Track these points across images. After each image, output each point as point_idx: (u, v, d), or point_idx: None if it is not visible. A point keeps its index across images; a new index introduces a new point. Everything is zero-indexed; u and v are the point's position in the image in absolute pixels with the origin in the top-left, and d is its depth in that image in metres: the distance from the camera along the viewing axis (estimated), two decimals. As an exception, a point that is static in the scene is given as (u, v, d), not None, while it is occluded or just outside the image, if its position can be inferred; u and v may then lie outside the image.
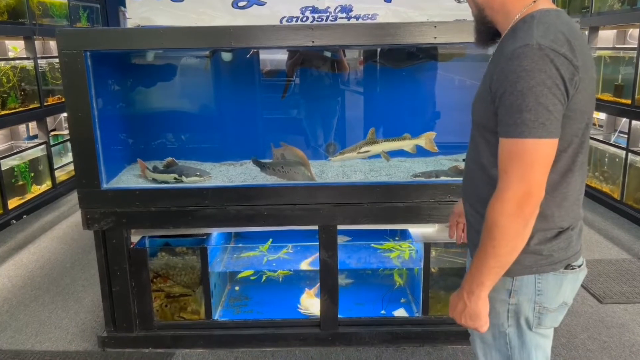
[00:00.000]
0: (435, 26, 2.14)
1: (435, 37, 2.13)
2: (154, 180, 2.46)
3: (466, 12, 3.31)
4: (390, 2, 3.29)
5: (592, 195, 4.59)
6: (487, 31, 1.34)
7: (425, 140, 2.47)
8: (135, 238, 2.47)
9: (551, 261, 1.28)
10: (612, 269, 3.26)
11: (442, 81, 2.80)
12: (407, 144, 2.48)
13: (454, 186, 2.28)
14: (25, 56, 4.58)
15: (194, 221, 2.32)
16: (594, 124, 5.17)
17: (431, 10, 3.25)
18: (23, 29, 4.46)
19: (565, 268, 1.30)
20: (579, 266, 1.33)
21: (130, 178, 2.52)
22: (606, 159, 4.51)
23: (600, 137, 4.65)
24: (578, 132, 1.21)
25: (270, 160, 2.57)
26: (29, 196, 4.54)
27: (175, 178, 2.42)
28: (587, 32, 4.65)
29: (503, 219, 1.16)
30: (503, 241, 1.17)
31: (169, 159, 2.50)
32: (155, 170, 2.49)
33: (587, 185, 4.61)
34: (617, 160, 4.34)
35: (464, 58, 2.73)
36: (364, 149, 2.46)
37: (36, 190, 4.67)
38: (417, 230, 2.54)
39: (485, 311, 1.28)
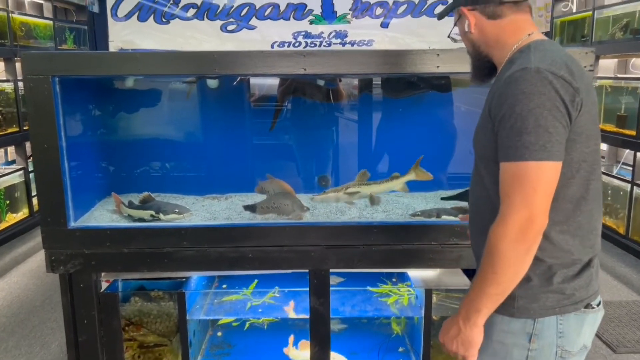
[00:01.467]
0: (438, 54, 1.96)
1: (438, 66, 1.95)
2: (129, 217, 2.24)
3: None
4: (387, 27, 3.14)
5: (595, 229, 4.40)
6: (483, 66, 1.36)
7: (414, 173, 2.28)
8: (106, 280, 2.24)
9: (573, 300, 1.23)
10: (623, 312, 3.05)
11: (444, 112, 2.63)
12: (396, 184, 2.28)
13: (457, 227, 2.07)
14: (4, 79, 4.38)
15: (170, 264, 2.09)
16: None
17: (430, 37, 3.10)
18: (3, 50, 4.27)
19: (586, 307, 1.25)
20: (598, 305, 1.28)
21: (104, 214, 2.29)
22: (609, 192, 4.34)
23: (602, 169, 4.49)
24: (586, 157, 1.18)
25: (260, 201, 2.37)
26: (2, 225, 4.28)
27: (152, 215, 2.20)
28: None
29: (504, 244, 1.12)
30: (504, 267, 1.14)
31: (145, 193, 2.28)
32: (130, 205, 2.27)
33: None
34: (621, 193, 4.17)
35: (467, 88, 2.56)
36: (350, 189, 2.26)
37: (11, 219, 4.42)
38: (417, 273, 2.33)
39: (479, 340, 1.23)
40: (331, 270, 2.14)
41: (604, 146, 4.84)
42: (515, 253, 1.12)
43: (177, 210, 2.19)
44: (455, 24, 1.39)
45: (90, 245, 2.06)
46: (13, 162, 4.80)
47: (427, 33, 3.08)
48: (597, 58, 4.57)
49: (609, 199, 4.38)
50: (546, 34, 5.96)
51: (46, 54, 1.94)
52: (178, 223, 2.14)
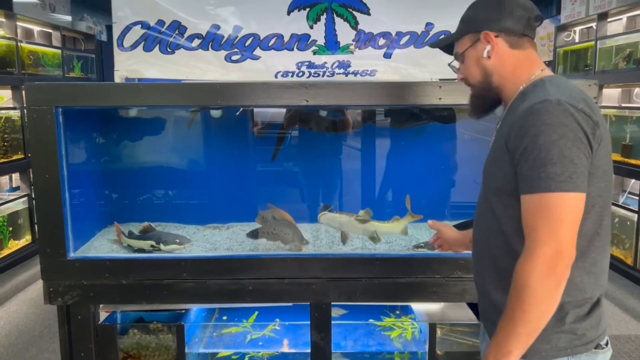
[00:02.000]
0: (440, 86, 1.96)
1: (440, 98, 1.95)
2: (129, 247, 2.22)
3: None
4: (390, 58, 3.16)
5: (603, 259, 4.33)
6: (488, 98, 1.34)
7: (410, 216, 2.24)
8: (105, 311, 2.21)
9: (584, 341, 1.20)
10: (632, 347, 2.97)
11: (447, 142, 2.62)
12: (399, 227, 2.25)
13: (462, 260, 2.04)
14: (11, 106, 4.42)
15: (169, 296, 2.06)
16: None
17: (433, 67, 3.12)
18: (10, 78, 4.32)
19: (596, 348, 1.22)
20: (606, 344, 1.25)
21: (104, 244, 2.27)
22: (616, 222, 4.29)
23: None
24: (602, 192, 1.16)
25: (262, 226, 2.34)
26: (5, 252, 4.27)
27: (152, 245, 2.18)
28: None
29: (533, 280, 1.08)
30: (533, 305, 1.09)
31: (146, 223, 2.26)
32: (130, 235, 2.25)
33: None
34: (628, 223, 4.12)
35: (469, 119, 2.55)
36: (360, 217, 2.23)
37: (14, 245, 4.40)
38: (421, 306, 2.28)
39: None
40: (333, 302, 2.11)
41: (609, 175, 4.80)
42: (545, 288, 1.08)
43: (177, 241, 2.17)
44: (465, 49, 1.33)
45: (89, 277, 2.03)
46: (17, 188, 4.81)
47: (430, 63, 3.09)
48: (601, 88, 4.57)
49: (616, 229, 4.32)
50: (549, 62, 5.98)
51: (49, 85, 1.95)
52: (178, 254, 2.12)
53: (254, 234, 2.25)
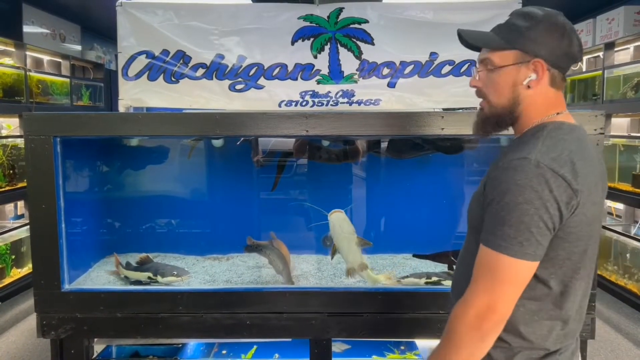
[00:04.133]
0: (443, 116, 1.92)
1: (442, 128, 1.91)
2: (127, 279, 2.18)
3: (473, 100, 3.18)
4: (394, 87, 3.15)
5: (615, 292, 4.21)
6: (502, 122, 1.24)
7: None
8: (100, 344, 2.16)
9: None
10: (648, 386, 2.85)
11: (450, 172, 2.57)
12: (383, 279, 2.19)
13: (466, 295, 1.97)
14: (18, 134, 4.45)
15: (165, 330, 2.00)
16: (612, 214, 4.89)
17: (437, 96, 3.10)
18: (18, 107, 4.36)
19: None
20: None
21: (101, 275, 2.23)
22: (628, 254, 4.18)
23: (619, 229, 4.35)
24: (572, 257, 1.13)
25: (262, 246, 2.30)
26: (7, 281, 4.23)
27: (149, 277, 2.14)
28: (599, 119, 4.49)
29: (460, 327, 1.10)
30: (457, 349, 1.11)
31: (143, 255, 2.23)
32: (128, 266, 2.21)
33: (609, 282, 4.26)
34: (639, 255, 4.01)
35: (476, 149, 2.51)
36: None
37: (16, 274, 4.37)
38: (426, 342, 2.20)
39: None
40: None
41: (620, 206, 4.71)
42: (469, 337, 1.09)
43: (175, 273, 2.13)
44: (506, 64, 1.19)
45: (83, 309, 1.98)
46: (22, 216, 4.80)
47: (434, 93, 3.07)
48: (609, 117, 4.53)
49: (628, 261, 4.21)
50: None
51: (47, 115, 1.94)
52: (175, 286, 2.07)
53: (251, 248, 2.25)
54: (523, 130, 1.21)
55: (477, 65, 1.25)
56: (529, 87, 1.18)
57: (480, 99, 1.26)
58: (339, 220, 2.13)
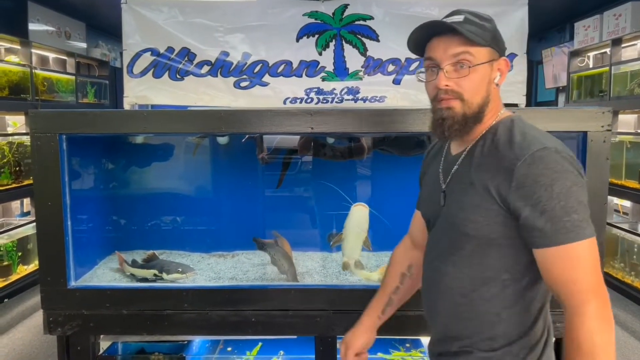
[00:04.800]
0: (449, 113, 1.90)
1: (448, 125, 1.89)
2: (133, 276, 2.18)
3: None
4: (399, 84, 3.14)
5: (622, 290, 4.19)
6: (472, 124, 1.18)
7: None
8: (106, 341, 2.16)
9: None
10: (655, 384, 2.83)
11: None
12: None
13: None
14: (24, 131, 4.47)
15: (170, 327, 2.00)
16: (619, 211, 4.86)
17: (443, 93, 3.09)
18: (24, 104, 4.37)
19: None
20: None
21: (107, 273, 2.24)
22: (635, 251, 4.16)
23: (626, 226, 4.32)
24: None
25: (269, 245, 2.30)
26: (13, 277, 4.25)
27: (155, 274, 2.14)
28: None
29: (599, 337, 1.02)
30: (607, 358, 1.03)
31: (150, 252, 2.23)
32: (134, 264, 2.21)
33: (616, 280, 4.23)
34: (647, 252, 3.99)
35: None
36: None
37: (22, 270, 4.39)
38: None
39: None
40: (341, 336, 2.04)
41: (627, 203, 4.68)
42: (610, 338, 1.03)
43: (180, 270, 2.13)
44: (482, 62, 1.16)
45: (90, 306, 1.99)
46: (28, 213, 4.82)
47: (440, 89, 3.07)
48: (616, 113, 4.50)
49: (634, 259, 4.19)
50: (563, 88, 5.88)
51: (53, 112, 1.94)
52: (179, 284, 2.07)
53: (260, 246, 2.27)
54: (480, 130, 1.19)
55: (446, 63, 1.15)
56: (497, 85, 1.21)
57: (441, 100, 1.17)
58: (360, 214, 2.13)
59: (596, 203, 1.87)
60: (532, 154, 1.07)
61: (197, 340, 2.34)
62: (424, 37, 1.20)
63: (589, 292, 1.04)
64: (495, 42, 1.18)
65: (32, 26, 4.83)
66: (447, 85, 1.15)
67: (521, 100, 3.04)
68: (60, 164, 1.92)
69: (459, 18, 1.15)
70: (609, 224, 4.18)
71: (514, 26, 2.99)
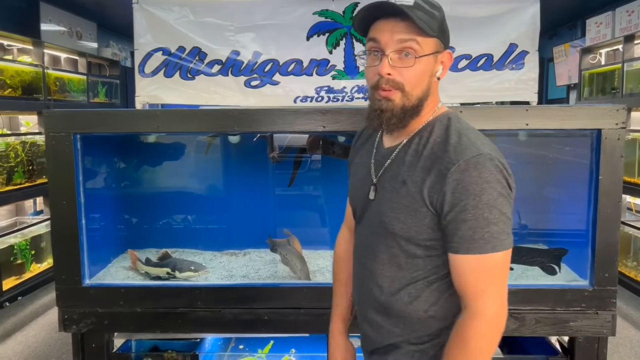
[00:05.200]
0: (461, 111, 1.90)
1: (461, 123, 1.89)
2: (146, 274, 2.20)
3: (490, 94, 3.14)
4: (410, 82, 3.13)
5: (635, 289, 4.16)
6: (410, 117, 1.14)
7: None
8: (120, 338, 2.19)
9: None
10: (669, 383, 2.81)
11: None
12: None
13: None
14: (37, 131, 4.51)
15: (183, 325, 2.02)
16: (631, 210, 4.81)
17: (453, 91, 3.08)
18: (36, 104, 4.42)
19: None
20: None
21: (120, 271, 2.26)
22: (647, 249, 4.12)
23: (639, 224, 4.29)
24: None
25: (280, 246, 2.31)
26: (26, 275, 4.29)
27: (168, 272, 2.16)
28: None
29: (486, 343, 1.07)
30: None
31: (164, 250, 2.24)
32: (147, 262, 2.23)
33: (628, 278, 4.20)
34: (660, 251, 3.95)
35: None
36: None
37: (36, 269, 4.43)
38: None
39: None
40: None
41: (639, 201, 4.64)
42: (493, 345, 1.08)
43: (192, 268, 2.14)
44: (428, 53, 1.11)
45: (104, 304, 2.01)
46: (41, 212, 4.87)
47: (450, 87, 3.05)
48: (629, 111, 4.45)
49: (648, 256, 4.15)
50: (575, 85, 5.83)
51: (68, 112, 1.96)
52: (192, 282, 2.08)
53: (273, 248, 2.28)
54: (416, 125, 1.17)
55: (391, 49, 1.09)
56: (438, 79, 1.16)
57: (382, 89, 1.12)
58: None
59: (610, 201, 1.86)
60: (466, 160, 1.05)
61: (210, 338, 2.35)
62: (370, 18, 1.12)
63: (492, 301, 1.07)
64: (442, 33, 1.13)
65: (44, 26, 4.88)
66: (389, 75, 1.10)
67: (533, 98, 3.02)
68: (74, 163, 1.94)
69: (409, 2, 1.09)
70: (622, 222, 4.15)
71: (525, 23, 2.97)
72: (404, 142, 1.17)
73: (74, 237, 1.96)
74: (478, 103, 3.04)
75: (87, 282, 2.03)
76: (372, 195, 1.21)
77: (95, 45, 5.87)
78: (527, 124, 1.85)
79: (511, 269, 2.11)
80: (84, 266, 2.00)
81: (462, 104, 2.86)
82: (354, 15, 1.13)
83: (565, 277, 2.08)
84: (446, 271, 1.14)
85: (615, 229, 1.87)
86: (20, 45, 4.52)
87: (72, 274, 1.99)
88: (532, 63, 3.04)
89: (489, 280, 1.07)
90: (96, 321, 2.02)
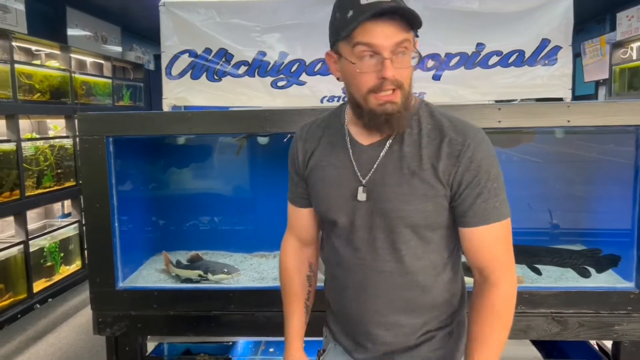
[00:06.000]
0: (499, 109, 1.85)
1: (499, 121, 1.84)
2: (177, 277, 2.19)
3: (521, 90, 3.06)
4: (439, 80, 3.07)
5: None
6: (407, 116, 1.13)
7: None
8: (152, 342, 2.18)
9: None
10: None
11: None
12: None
13: (526, 294, 1.90)
14: (64, 135, 4.56)
15: (217, 328, 2.00)
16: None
17: (483, 88, 3.01)
18: (64, 108, 4.47)
19: None
20: None
21: (152, 273, 2.25)
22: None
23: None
24: None
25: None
26: (56, 277, 4.35)
27: (200, 275, 2.14)
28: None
29: (512, 304, 1.13)
30: (510, 322, 1.14)
31: (193, 253, 2.23)
32: (178, 265, 2.22)
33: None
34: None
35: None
36: None
37: (65, 271, 4.49)
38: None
39: None
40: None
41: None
42: (514, 305, 1.15)
43: (225, 270, 2.13)
44: (414, 48, 1.09)
45: (137, 307, 2.01)
46: (69, 214, 4.93)
47: (481, 84, 2.99)
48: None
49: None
50: (605, 81, 5.69)
51: (100, 115, 1.96)
52: (225, 285, 2.07)
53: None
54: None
55: (389, 51, 1.04)
56: (414, 68, 1.13)
57: (383, 94, 1.07)
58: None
59: (657, 200, 1.80)
60: (472, 138, 1.10)
61: (242, 341, 2.34)
62: (358, 21, 1.03)
63: (507, 268, 1.13)
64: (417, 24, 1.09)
65: (70, 31, 4.93)
66: (395, 78, 1.06)
67: (567, 95, 2.94)
68: (107, 166, 1.94)
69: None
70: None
71: (558, 17, 2.89)
72: (394, 135, 1.14)
73: (108, 241, 1.96)
74: (510, 100, 2.97)
75: (121, 285, 2.03)
76: (361, 197, 1.15)
77: (119, 49, 5.93)
78: (568, 121, 1.79)
79: (539, 272, 2.07)
80: (117, 269, 2.00)
81: (497, 102, 2.79)
82: (347, 18, 1.00)
83: (607, 279, 2.01)
84: (455, 247, 1.20)
85: (661, 229, 1.80)
86: (48, 50, 4.58)
87: (106, 277, 1.99)
88: (565, 58, 2.95)
89: (504, 246, 1.13)
90: (130, 324, 2.02)
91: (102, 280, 1.99)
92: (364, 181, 1.15)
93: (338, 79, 1.18)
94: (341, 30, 1.07)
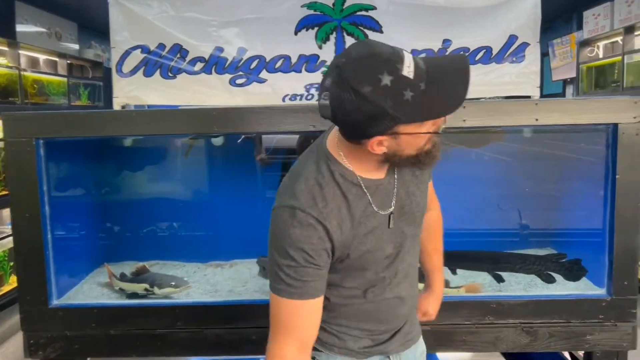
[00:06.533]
0: (464, 107, 1.73)
1: (464, 120, 1.72)
2: (122, 291, 2.01)
3: (489, 88, 2.97)
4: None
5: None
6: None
7: None
8: None
9: None
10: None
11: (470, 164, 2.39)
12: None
13: (494, 304, 1.79)
14: (14, 136, 4.30)
15: (163, 348, 1.83)
16: None
17: (478, 86, 2.89)
18: (13, 108, 4.21)
19: None
20: None
21: (94, 288, 2.06)
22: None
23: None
24: None
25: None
26: (6, 288, 4.08)
27: (146, 289, 1.97)
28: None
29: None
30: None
31: (140, 264, 2.05)
32: (123, 278, 2.04)
33: None
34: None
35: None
36: None
37: (14, 281, 4.22)
38: (450, 356, 2.02)
39: None
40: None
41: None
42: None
43: (173, 283, 1.96)
44: None
45: (74, 327, 1.82)
46: (20, 221, 4.66)
47: (471, 80, 2.89)
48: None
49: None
50: (572, 79, 5.69)
51: (29, 115, 1.77)
52: (172, 300, 1.90)
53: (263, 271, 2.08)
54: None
55: None
56: None
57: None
58: None
59: (630, 202, 1.70)
60: None
61: None
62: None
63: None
64: None
65: (20, 27, 4.67)
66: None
67: (535, 92, 2.86)
68: (37, 171, 1.75)
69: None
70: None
71: (526, 13, 2.81)
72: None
73: (39, 254, 1.77)
74: (477, 98, 2.87)
75: (55, 302, 1.84)
76: (390, 224, 1.17)
77: (76, 46, 5.67)
78: (536, 119, 1.69)
79: (501, 279, 1.97)
80: (50, 285, 1.81)
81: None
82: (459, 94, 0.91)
83: (577, 285, 1.92)
84: None
85: (635, 232, 1.73)
86: (-5, 47, 4.32)
87: (38, 294, 1.79)
88: (533, 55, 2.88)
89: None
90: (65, 346, 1.83)
91: (33, 298, 1.79)
92: (389, 211, 1.16)
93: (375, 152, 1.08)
94: (427, 112, 1.00)
